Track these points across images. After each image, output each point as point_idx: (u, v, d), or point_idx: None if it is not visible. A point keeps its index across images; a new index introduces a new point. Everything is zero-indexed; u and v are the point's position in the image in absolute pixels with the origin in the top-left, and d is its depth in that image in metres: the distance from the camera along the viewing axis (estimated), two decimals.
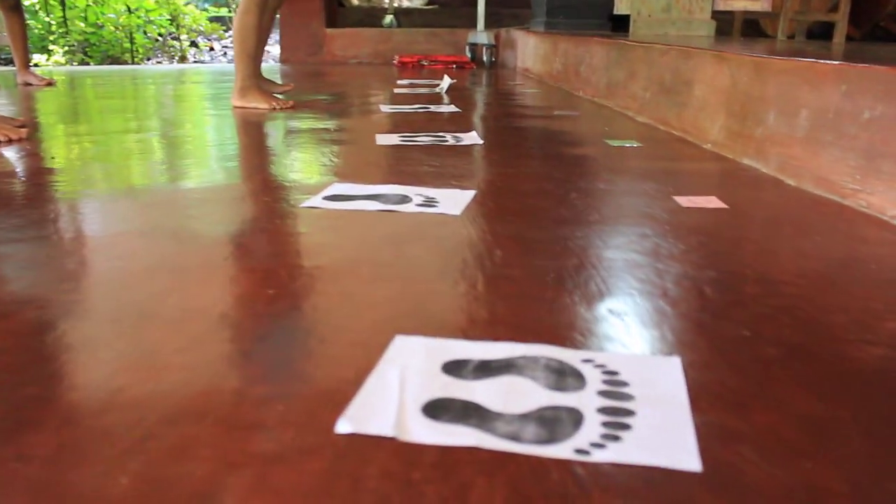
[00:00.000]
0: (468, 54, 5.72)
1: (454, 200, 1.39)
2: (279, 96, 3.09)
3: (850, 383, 0.74)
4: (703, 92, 2.18)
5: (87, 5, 10.25)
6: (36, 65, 8.84)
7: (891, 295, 0.99)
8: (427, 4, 8.11)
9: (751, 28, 6.39)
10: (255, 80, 2.86)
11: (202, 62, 10.80)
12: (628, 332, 0.84)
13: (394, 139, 2.10)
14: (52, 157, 1.93)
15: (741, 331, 0.85)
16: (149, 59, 10.84)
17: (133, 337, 0.84)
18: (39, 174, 1.74)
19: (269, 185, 1.65)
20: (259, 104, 2.82)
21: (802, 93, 1.68)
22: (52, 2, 10.00)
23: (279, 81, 4.34)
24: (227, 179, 1.69)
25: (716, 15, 5.16)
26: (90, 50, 10.20)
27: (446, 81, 3.55)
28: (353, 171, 1.74)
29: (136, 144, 2.14)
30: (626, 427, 0.64)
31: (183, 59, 10.95)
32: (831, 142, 1.55)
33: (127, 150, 2.06)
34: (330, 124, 2.53)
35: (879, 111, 1.43)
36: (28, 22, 9.33)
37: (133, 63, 10.34)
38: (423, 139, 2.10)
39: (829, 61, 1.61)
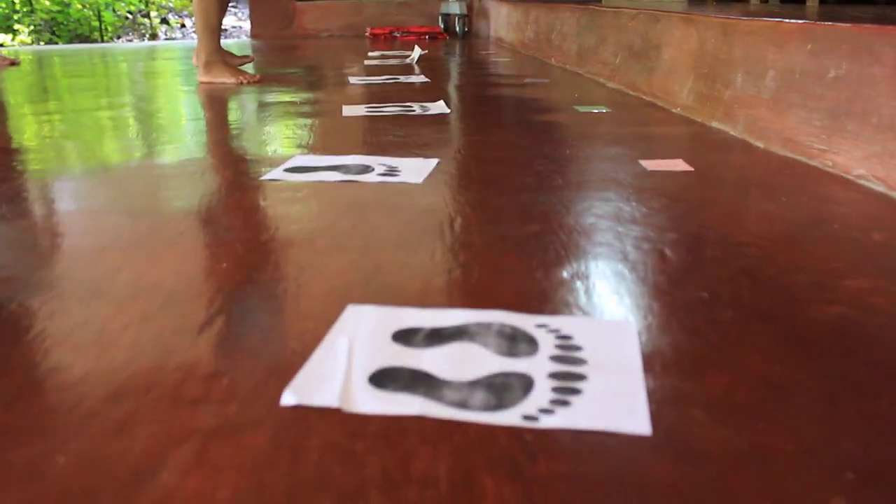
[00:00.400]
0: (441, 25, 5.66)
1: (416, 169, 1.37)
2: (247, 70, 3.02)
3: (808, 344, 0.73)
4: (671, 55, 2.16)
5: None
6: (1, 45, 8.68)
7: (851, 253, 0.99)
8: None
9: None
10: (219, 54, 2.79)
11: (174, 39, 10.66)
12: (585, 297, 0.83)
13: (360, 110, 2.07)
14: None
15: (699, 293, 0.84)
16: (118, 38, 10.67)
17: (80, 315, 0.82)
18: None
19: (230, 159, 1.62)
20: (226, 79, 2.76)
21: (769, 53, 1.66)
22: None
23: (252, 55, 4.28)
24: (189, 154, 1.65)
25: None
26: (57, 29, 10.02)
27: (417, 52, 3.51)
28: (316, 143, 1.71)
29: (100, 122, 2.10)
30: (576, 392, 0.63)
31: (154, 36, 10.79)
32: (798, 102, 1.54)
33: (89, 127, 2.02)
34: (297, 97, 2.50)
35: (844, 69, 1.41)
36: None
37: (102, 42, 10.17)
38: (390, 109, 2.07)
39: (794, 20, 1.59)
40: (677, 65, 2.12)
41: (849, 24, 1.43)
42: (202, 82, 2.78)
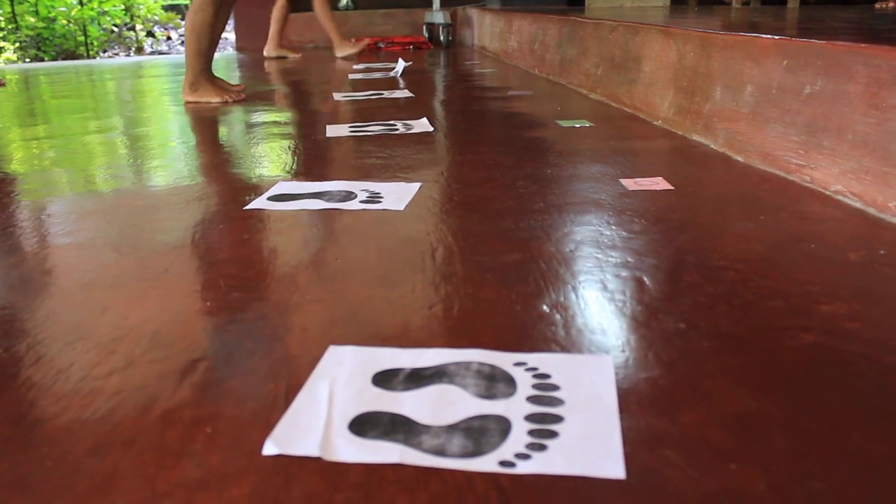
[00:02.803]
0: (425, 34, 5.68)
1: (398, 195, 1.38)
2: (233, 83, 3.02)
3: (781, 375, 0.75)
4: (651, 68, 2.18)
5: None
6: None
7: (827, 275, 1.00)
8: None
9: None
10: (206, 74, 2.77)
11: (160, 52, 10.65)
12: (563, 331, 0.84)
13: (344, 130, 2.08)
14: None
15: (677, 323, 0.85)
16: (104, 52, 10.65)
17: (65, 360, 0.82)
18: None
19: (216, 186, 1.62)
20: (211, 98, 2.76)
21: (746, 68, 1.68)
22: None
23: (236, 72, 4.29)
24: (175, 181, 1.66)
25: None
26: (43, 45, 9.99)
27: (401, 65, 3.52)
28: (300, 167, 1.72)
29: (88, 147, 2.10)
30: (552, 435, 0.64)
31: (139, 50, 10.78)
32: (775, 117, 1.56)
33: (78, 153, 2.03)
34: (281, 116, 2.51)
35: (819, 86, 1.43)
36: None
37: (88, 57, 10.15)
38: (374, 128, 2.08)
39: (769, 36, 1.61)
40: (657, 77, 2.14)
41: (822, 41, 1.45)
42: (188, 102, 2.77)
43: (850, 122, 1.34)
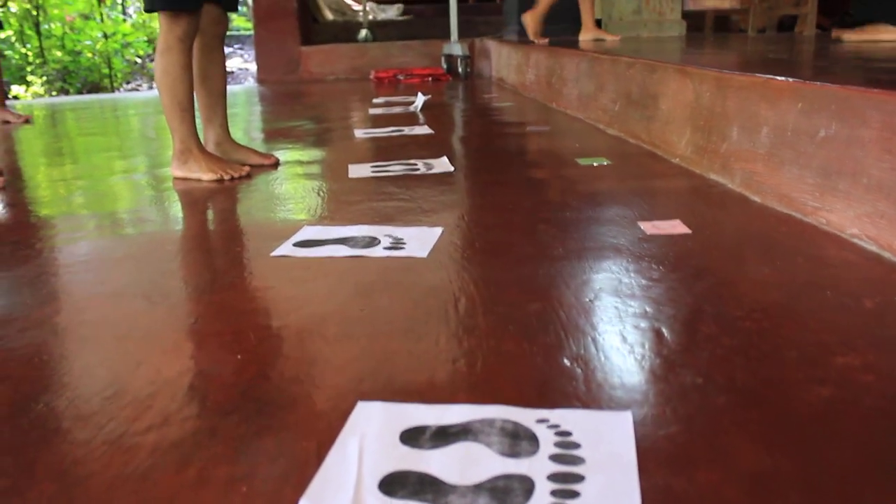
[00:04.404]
0: (443, 65, 5.75)
1: (421, 241, 1.42)
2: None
3: (796, 430, 0.77)
4: (668, 106, 2.21)
5: (64, 33, 10.24)
6: (15, 97, 8.83)
7: (842, 324, 1.02)
8: (401, 15, 8.15)
9: (723, 23, 6.43)
10: (195, 140, 2.16)
11: None
12: (584, 386, 0.87)
13: (366, 170, 2.12)
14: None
15: (694, 377, 0.87)
16: (128, 83, 10.83)
17: (102, 416, 0.86)
18: (17, 228, 1.76)
19: (240, 231, 1.67)
20: (202, 174, 2.12)
21: (762, 109, 1.70)
22: (28, 32, 9.99)
23: (258, 106, 4.34)
24: (200, 225, 1.71)
25: (687, 13, 5.20)
26: (69, 77, 10.19)
27: (420, 99, 3.57)
28: (324, 211, 1.76)
29: (115, 189, 2.16)
30: (574, 495, 0.66)
31: None
32: (791, 159, 1.58)
33: (106, 195, 2.08)
34: (304, 155, 2.56)
35: (834, 130, 1.46)
36: (5, 53, 9.32)
37: (112, 88, 10.33)
38: (395, 168, 2.12)
39: (784, 78, 1.64)
40: (674, 115, 2.17)
41: (836, 86, 1.48)
42: (176, 177, 2.17)
43: (865, 167, 1.36)
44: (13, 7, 9.54)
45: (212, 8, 2.16)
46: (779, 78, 1.65)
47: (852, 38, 3.47)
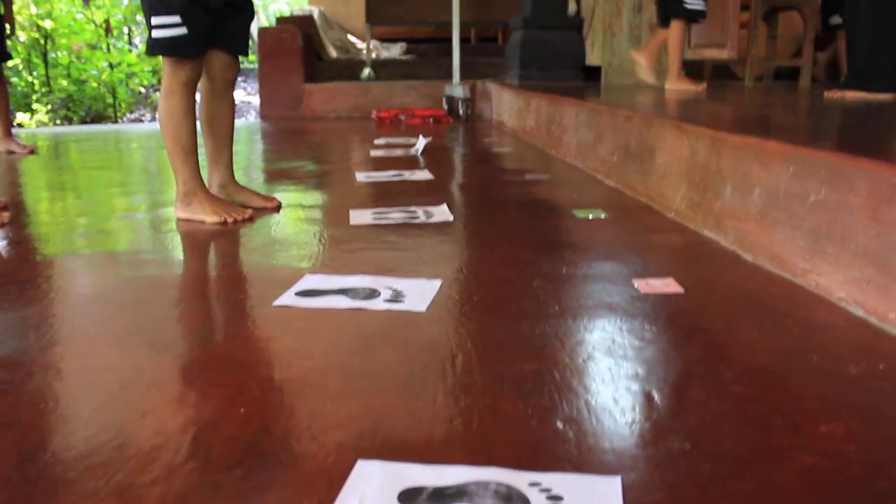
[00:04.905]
0: (444, 107, 5.83)
1: (420, 294, 1.45)
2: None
3: (780, 500, 0.80)
4: (665, 161, 2.26)
5: (70, 62, 10.37)
6: (20, 125, 8.91)
7: (828, 390, 1.06)
8: (404, 54, 8.26)
9: (721, 71, 6.54)
10: (199, 182, 2.21)
11: None
12: (576, 448, 0.90)
13: (367, 217, 2.16)
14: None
15: (683, 443, 0.91)
16: (131, 113, 10.94)
17: (110, 467, 0.89)
18: (22, 267, 1.79)
19: (243, 277, 1.70)
20: (207, 216, 2.16)
21: (755, 170, 1.75)
22: (35, 60, 10.11)
23: (261, 144, 4.40)
24: (204, 270, 1.74)
25: (686, 62, 5.28)
26: (73, 105, 10.29)
27: (421, 142, 3.63)
28: (325, 258, 1.80)
29: (118, 229, 2.20)
30: None
31: None
32: (783, 220, 1.63)
33: (107, 235, 2.12)
34: (306, 198, 2.60)
35: (823, 194, 1.50)
36: (11, 80, 9.42)
37: (116, 118, 10.43)
38: (396, 216, 2.16)
39: (777, 141, 1.68)
40: (671, 170, 2.21)
41: (825, 152, 1.52)
42: (180, 219, 2.21)
43: (853, 233, 1.40)
44: (22, 36, 9.66)
45: (221, 54, 2.22)
46: (771, 141, 1.70)
47: (846, 97, 3.56)
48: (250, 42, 2.33)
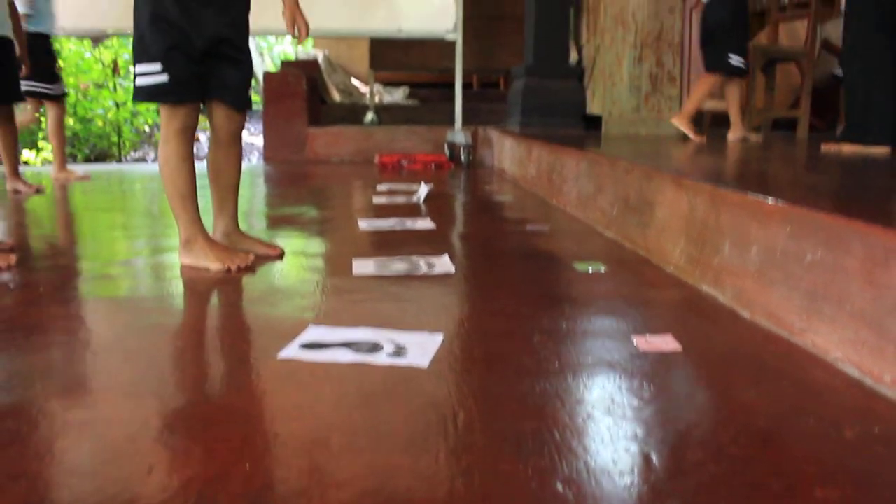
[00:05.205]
0: (446, 152, 5.90)
1: (423, 348, 1.47)
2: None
3: None
4: (664, 214, 2.30)
5: (77, 101, 10.49)
6: (26, 162, 8.99)
7: (824, 453, 1.07)
8: (407, 98, 8.37)
9: (722, 120, 6.62)
10: (200, 228, 2.24)
11: None
12: None
13: (370, 267, 2.19)
14: None
15: None
16: (135, 151, 11.04)
17: None
18: (30, 312, 1.81)
19: (247, 327, 1.73)
20: (210, 263, 2.18)
21: (752, 228, 1.78)
22: None
23: (264, 188, 4.45)
24: (209, 319, 1.76)
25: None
26: (77, 143, 10.38)
27: (423, 190, 3.67)
28: (328, 309, 1.82)
29: (121, 276, 2.22)
30: None
31: None
32: (780, 279, 1.65)
33: (111, 280, 2.15)
34: (309, 246, 2.63)
35: (820, 255, 1.53)
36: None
37: (120, 156, 10.52)
38: (398, 266, 2.19)
39: (774, 201, 1.71)
40: (669, 224, 2.25)
41: (821, 213, 1.55)
42: (183, 265, 2.25)
43: (848, 294, 1.43)
44: None
45: (221, 106, 2.26)
46: (769, 200, 1.73)
47: (843, 150, 3.62)
48: (255, 83, 2.36)
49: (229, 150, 2.33)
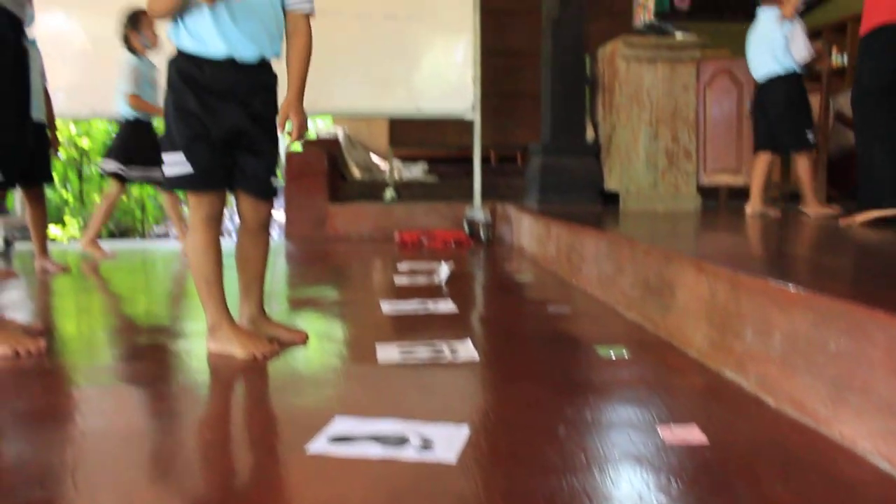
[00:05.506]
0: (466, 229, 5.95)
1: (449, 441, 1.48)
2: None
3: None
4: (685, 298, 2.31)
5: (102, 177, 10.71)
6: (52, 238, 9.14)
7: None
8: (426, 174, 8.48)
9: (739, 192, 6.67)
10: (224, 314, 2.27)
11: None
12: None
13: (394, 353, 2.21)
14: None
15: None
16: (157, 226, 11.20)
17: None
18: (54, 403, 1.83)
19: (274, 417, 1.74)
20: (235, 349, 2.22)
21: (774, 315, 1.79)
22: (70, 175, 10.46)
23: (285, 267, 4.50)
24: (235, 409, 1.78)
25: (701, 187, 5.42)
26: None
27: (445, 271, 3.70)
28: (354, 400, 1.84)
29: (149, 359, 2.25)
30: None
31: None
32: (804, 367, 1.65)
33: (140, 366, 2.18)
34: (332, 330, 2.66)
35: (843, 344, 1.53)
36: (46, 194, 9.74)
37: (143, 232, 10.68)
38: (422, 353, 2.21)
39: (796, 288, 1.72)
40: (691, 308, 2.26)
41: (843, 301, 1.56)
42: (210, 351, 2.28)
43: (874, 385, 1.43)
44: (61, 155, 10.03)
45: (247, 195, 2.32)
46: (790, 287, 1.74)
47: (857, 221, 3.67)
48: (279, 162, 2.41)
49: (257, 237, 2.38)
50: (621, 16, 6.85)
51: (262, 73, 2.29)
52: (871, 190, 3.76)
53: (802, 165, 4.67)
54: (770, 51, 4.67)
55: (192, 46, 2.18)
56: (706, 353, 2.11)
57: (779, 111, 4.62)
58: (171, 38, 2.22)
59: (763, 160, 4.79)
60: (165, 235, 11.02)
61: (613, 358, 2.16)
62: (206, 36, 2.16)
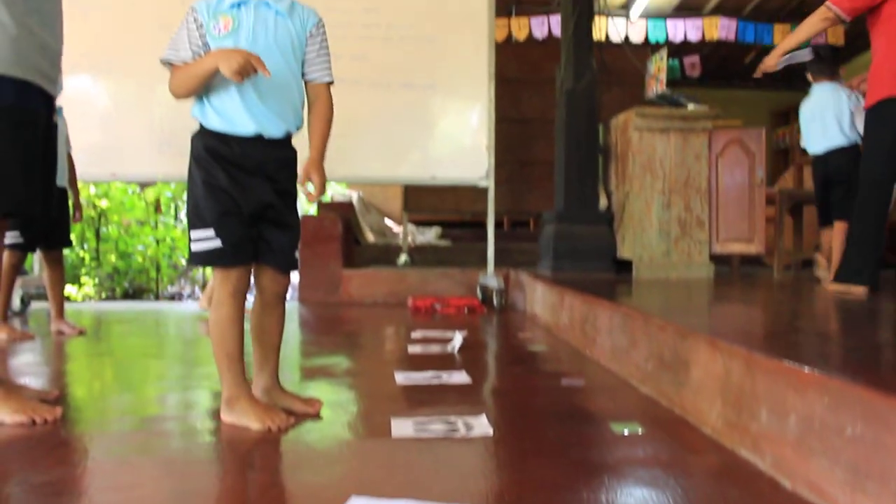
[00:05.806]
0: (479, 295, 5.96)
1: None
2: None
3: None
4: (699, 375, 2.31)
5: (119, 236, 10.83)
6: (68, 298, 9.20)
7: None
8: (439, 238, 8.54)
9: (752, 260, 6.68)
10: (244, 389, 2.30)
11: None
12: None
13: (409, 427, 2.21)
14: None
15: None
16: (171, 286, 11.27)
17: None
18: (67, 478, 1.83)
19: (290, 496, 1.74)
20: (251, 422, 2.21)
21: (789, 396, 1.78)
22: (87, 234, 10.57)
23: (298, 334, 4.52)
24: (251, 487, 1.78)
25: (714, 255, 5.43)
26: (118, 277, 10.65)
27: (458, 340, 3.71)
28: (369, 478, 1.83)
29: (165, 431, 2.26)
30: None
31: (206, 285, 11.39)
32: (820, 451, 1.64)
33: (155, 437, 2.18)
34: (345, 400, 2.66)
35: (860, 430, 1.53)
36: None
37: (158, 292, 10.75)
38: (436, 427, 2.21)
39: (812, 370, 1.72)
40: (705, 385, 2.25)
41: (859, 386, 1.56)
42: (224, 422, 2.29)
43: (892, 472, 1.42)
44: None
45: (269, 269, 2.36)
46: (805, 369, 1.74)
47: (830, 288, 3.80)
48: None
49: (274, 310, 2.41)
50: (633, 87, 6.97)
51: (286, 148, 2.35)
52: (848, 260, 3.88)
53: (837, 236, 4.71)
54: (837, 124, 4.77)
55: (219, 125, 2.23)
56: (721, 432, 2.10)
57: (851, 180, 4.65)
58: (196, 116, 2.28)
59: (840, 230, 4.79)
60: (179, 294, 11.08)
61: (627, 434, 2.15)
62: (233, 115, 2.22)
